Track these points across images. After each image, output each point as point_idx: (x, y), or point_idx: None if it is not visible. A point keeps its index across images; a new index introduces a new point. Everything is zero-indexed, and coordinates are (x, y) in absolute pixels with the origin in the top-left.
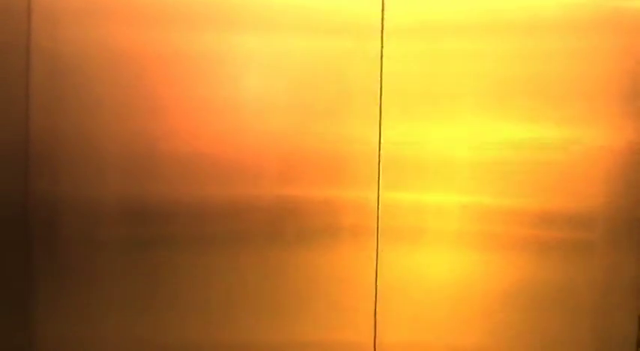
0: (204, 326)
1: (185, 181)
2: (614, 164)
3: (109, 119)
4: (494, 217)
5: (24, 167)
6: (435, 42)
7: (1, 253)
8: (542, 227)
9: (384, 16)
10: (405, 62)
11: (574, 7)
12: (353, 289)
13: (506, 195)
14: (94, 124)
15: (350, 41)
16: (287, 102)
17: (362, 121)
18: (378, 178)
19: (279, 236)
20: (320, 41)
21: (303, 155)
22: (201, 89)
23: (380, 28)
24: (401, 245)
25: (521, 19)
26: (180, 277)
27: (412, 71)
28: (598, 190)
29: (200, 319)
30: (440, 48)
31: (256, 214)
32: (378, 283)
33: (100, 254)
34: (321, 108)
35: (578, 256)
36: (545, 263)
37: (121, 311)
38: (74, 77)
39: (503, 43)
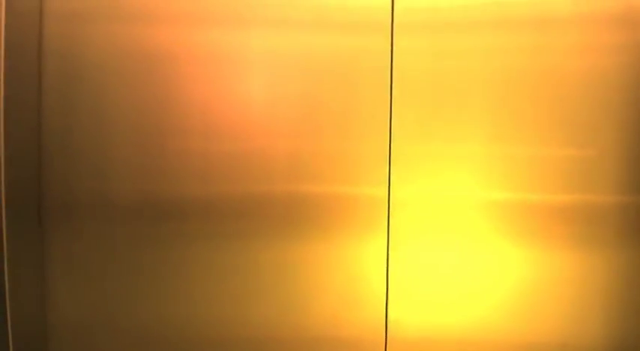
0: (215, 321)
1: (197, 178)
2: (628, 159)
3: (121, 118)
4: (504, 211)
5: (37, 166)
6: (446, 38)
7: (16, 249)
8: (553, 222)
9: (394, 12)
10: (415, 58)
11: (586, 2)
12: (364, 286)
13: (517, 190)
14: (106, 122)
15: (360, 37)
16: (297, 99)
17: (372, 116)
18: (389, 173)
19: (290, 233)
20: (329, 38)
21: (314, 152)
22: (212, 87)
23: (390, 24)
24: (412, 241)
25: (531, 14)
26: (192, 272)
27: (422, 67)
28: (613, 185)
29: (211, 314)
30: (450, 44)
31: (268, 210)
32: (389, 279)
33: (113, 251)
34: (331, 104)
35: (590, 251)
36: (557, 258)
37: (133, 306)
38: (85, 77)
39: (513, 39)
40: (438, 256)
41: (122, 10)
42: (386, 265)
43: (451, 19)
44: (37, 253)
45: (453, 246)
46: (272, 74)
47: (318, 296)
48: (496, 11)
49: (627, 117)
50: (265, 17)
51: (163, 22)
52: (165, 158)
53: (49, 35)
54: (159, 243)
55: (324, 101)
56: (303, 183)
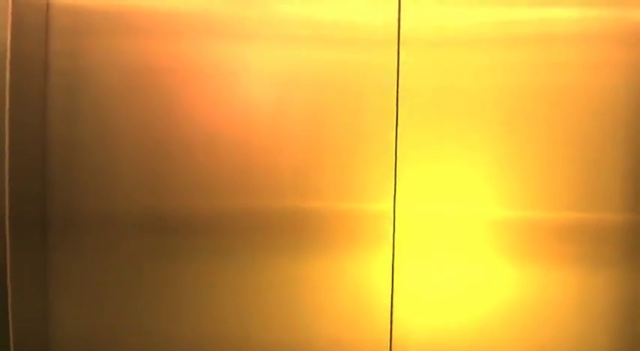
0: (218, 337)
1: (201, 193)
2: (637, 177)
3: (126, 132)
4: (510, 228)
5: (42, 180)
6: (452, 55)
7: (20, 262)
8: (561, 240)
9: (401, 29)
10: (421, 75)
11: (593, 20)
12: (369, 302)
13: (524, 207)
14: (110, 136)
15: (366, 54)
16: (303, 115)
17: (378, 132)
18: (394, 189)
19: (294, 248)
20: (335, 54)
21: (319, 167)
22: (216, 102)
23: (396, 41)
24: (417, 257)
25: (537, 32)
26: (195, 287)
27: (429, 84)
28: (616, 204)
29: (214, 330)
30: (456, 61)
31: (272, 225)
32: (393, 295)
33: (116, 265)
34: (337, 120)
35: (595, 270)
36: (565, 276)
37: (136, 321)
38: (90, 91)
39: (519, 56)
40: (443, 273)
41: (126, 26)
42: (391, 282)
43: (457, 36)
44: (41, 267)
45: (459, 262)
46: (277, 90)
47: (322, 312)
48: (502, 29)
49: (636, 134)
50: (271, 33)
51: (169, 37)
52: (168, 173)
53: (54, 51)
54: (161, 258)
55: (329, 117)
56: (308, 198)
